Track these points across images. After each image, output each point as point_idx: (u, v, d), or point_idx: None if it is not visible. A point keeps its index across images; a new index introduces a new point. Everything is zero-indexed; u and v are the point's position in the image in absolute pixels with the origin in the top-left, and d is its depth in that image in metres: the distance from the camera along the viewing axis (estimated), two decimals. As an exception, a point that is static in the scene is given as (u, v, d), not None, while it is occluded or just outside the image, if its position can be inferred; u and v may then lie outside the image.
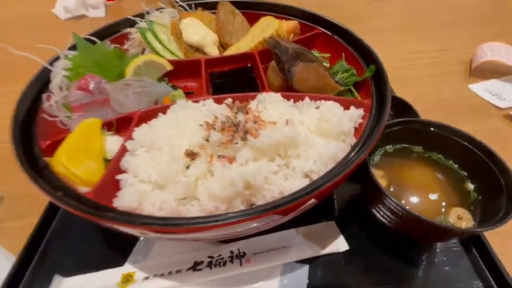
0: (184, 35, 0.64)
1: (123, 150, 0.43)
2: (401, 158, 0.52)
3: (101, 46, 0.59)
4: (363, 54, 0.60)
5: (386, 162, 0.52)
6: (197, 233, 0.35)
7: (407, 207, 0.40)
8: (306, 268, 0.48)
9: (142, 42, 0.67)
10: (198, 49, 0.66)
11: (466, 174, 0.49)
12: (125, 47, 0.67)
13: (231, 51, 0.67)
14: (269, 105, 0.47)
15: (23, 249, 0.50)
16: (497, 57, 0.86)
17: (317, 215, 0.53)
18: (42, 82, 0.53)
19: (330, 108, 0.47)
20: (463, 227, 0.43)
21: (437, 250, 0.50)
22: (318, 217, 0.53)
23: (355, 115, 0.48)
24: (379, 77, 0.53)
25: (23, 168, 0.38)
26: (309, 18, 0.70)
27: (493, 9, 1.22)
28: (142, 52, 0.64)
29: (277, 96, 0.49)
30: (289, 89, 0.55)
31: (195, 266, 0.49)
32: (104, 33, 0.65)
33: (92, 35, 0.63)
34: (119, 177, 0.41)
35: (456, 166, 0.50)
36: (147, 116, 0.49)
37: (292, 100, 0.51)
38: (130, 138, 0.44)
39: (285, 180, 0.39)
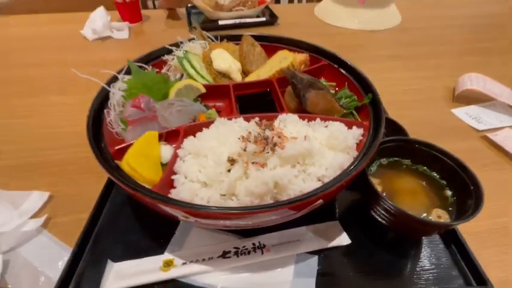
0: (215, 63, 0.76)
1: (175, 157, 0.55)
2: (394, 169, 0.62)
3: (150, 72, 0.71)
4: (362, 84, 0.72)
5: (381, 172, 0.62)
6: (233, 219, 0.46)
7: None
8: (315, 258, 0.56)
9: (177, 68, 0.80)
10: (225, 75, 0.79)
11: (445, 183, 0.59)
12: (163, 71, 0.79)
13: (251, 78, 0.79)
14: (289, 124, 0.59)
15: (79, 240, 0.57)
16: (475, 86, 0.98)
17: (324, 216, 0.62)
18: (101, 99, 0.65)
19: (337, 127, 0.59)
20: (442, 223, 0.54)
21: (423, 245, 0.60)
22: (325, 218, 0.62)
23: (356, 133, 0.60)
24: (375, 104, 0.65)
25: (104, 168, 0.49)
26: (317, 52, 0.83)
27: (475, 46, 1.37)
28: (181, 76, 0.76)
29: (295, 117, 0.61)
30: (303, 111, 0.67)
31: (224, 255, 0.57)
32: (146, 59, 0.78)
33: (138, 60, 0.76)
34: (174, 177, 0.52)
35: (438, 176, 0.60)
36: (191, 130, 0.60)
37: (306, 120, 0.63)
38: (179, 147, 0.56)
39: (304, 183, 0.51)
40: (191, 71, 0.76)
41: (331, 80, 0.79)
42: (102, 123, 0.60)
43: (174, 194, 0.50)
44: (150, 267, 0.55)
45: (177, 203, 0.45)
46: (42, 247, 0.60)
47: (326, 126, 0.61)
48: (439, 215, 0.55)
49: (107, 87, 0.66)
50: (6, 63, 1.23)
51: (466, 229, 0.61)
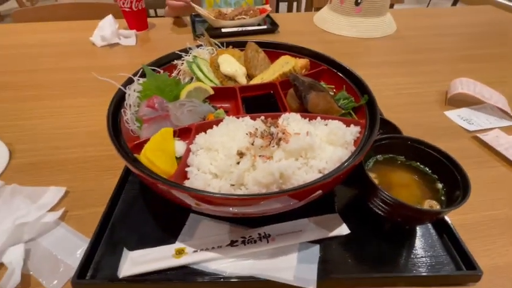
0: (222, 68, 0.82)
1: (188, 151, 0.60)
2: (389, 165, 0.67)
3: (163, 75, 0.76)
4: (359, 86, 0.77)
5: (377, 168, 0.66)
6: (242, 205, 0.50)
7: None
8: (317, 246, 0.60)
9: (186, 72, 0.85)
10: (230, 78, 0.84)
11: (436, 177, 0.64)
12: (173, 74, 0.85)
13: (256, 81, 0.85)
14: (292, 122, 0.64)
15: (96, 230, 0.61)
16: (466, 90, 1.04)
17: (325, 209, 0.67)
18: (117, 99, 0.70)
19: (336, 125, 0.64)
20: (433, 211, 0.59)
21: (418, 235, 0.64)
22: (325, 211, 0.66)
23: (354, 130, 0.65)
24: (371, 104, 0.70)
25: (124, 158, 0.53)
26: (317, 57, 0.89)
27: (466, 53, 1.43)
28: (191, 79, 0.82)
29: (297, 116, 0.66)
30: (304, 111, 0.72)
31: (232, 244, 0.61)
32: (158, 63, 0.83)
33: (150, 64, 0.81)
34: (187, 169, 0.57)
35: (430, 171, 0.65)
36: (201, 127, 0.65)
37: (307, 119, 0.68)
38: (192, 143, 0.61)
39: (306, 174, 0.55)
40: (199, 74, 0.81)
41: (330, 83, 0.85)
42: (119, 122, 0.65)
43: (187, 184, 0.55)
44: (164, 255, 0.59)
45: (195, 191, 0.50)
46: (61, 238, 0.64)
47: (326, 125, 0.66)
48: (431, 205, 0.60)
49: (123, 89, 0.71)
50: (17, 69, 1.27)
51: (456, 221, 0.65)
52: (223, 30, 1.52)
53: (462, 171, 0.59)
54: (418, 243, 0.63)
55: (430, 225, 0.66)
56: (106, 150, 0.84)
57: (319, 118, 0.68)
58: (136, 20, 1.54)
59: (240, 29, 1.52)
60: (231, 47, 0.93)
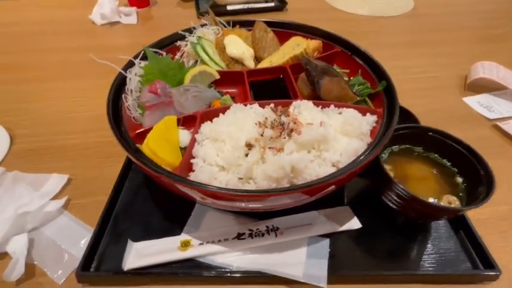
0: (228, 49, 0.77)
1: (193, 141, 0.56)
2: (405, 156, 0.63)
3: (166, 58, 0.71)
4: (376, 71, 0.72)
5: (393, 159, 0.63)
6: (250, 202, 0.47)
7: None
8: (327, 241, 0.58)
9: (190, 54, 0.80)
10: (237, 61, 0.79)
11: (456, 170, 0.60)
12: (176, 57, 0.80)
13: (264, 64, 0.80)
14: (303, 110, 0.60)
15: (99, 220, 0.60)
16: (488, 75, 0.97)
17: (335, 201, 0.64)
18: (118, 84, 0.65)
19: (351, 114, 0.59)
20: (453, 208, 0.56)
21: (432, 230, 0.61)
22: (336, 203, 0.64)
23: (370, 120, 0.61)
24: (389, 91, 0.65)
25: (126, 150, 0.50)
26: (330, 38, 0.82)
27: (488, 32, 1.34)
28: (195, 62, 0.77)
29: (310, 103, 0.62)
30: (316, 98, 0.67)
31: (239, 236, 0.59)
32: (160, 45, 0.78)
33: (152, 46, 0.76)
34: (192, 161, 0.53)
35: (449, 164, 0.61)
36: (207, 115, 0.61)
37: (320, 107, 0.63)
38: (197, 132, 0.57)
39: (319, 168, 0.52)
40: (204, 57, 0.76)
41: (344, 67, 0.79)
42: (120, 108, 0.62)
43: (193, 177, 0.52)
44: (169, 247, 0.58)
45: (202, 186, 0.47)
46: (64, 227, 0.63)
47: (340, 113, 0.62)
48: (449, 201, 0.57)
49: (124, 73, 0.67)
50: (17, 47, 1.24)
51: (473, 216, 0.62)
52: (228, 7, 1.44)
53: (486, 166, 0.55)
54: (432, 238, 0.61)
55: (445, 219, 0.63)
56: (107, 136, 0.79)
57: (332, 106, 0.63)
58: (137, -4, 1.47)
59: (246, 6, 1.43)
60: (237, 26, 0.87)
